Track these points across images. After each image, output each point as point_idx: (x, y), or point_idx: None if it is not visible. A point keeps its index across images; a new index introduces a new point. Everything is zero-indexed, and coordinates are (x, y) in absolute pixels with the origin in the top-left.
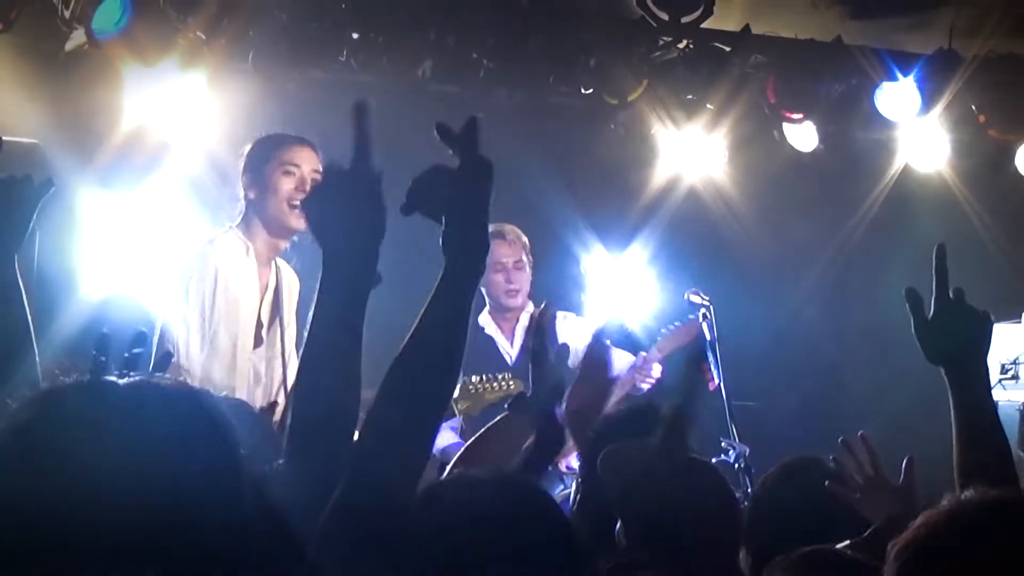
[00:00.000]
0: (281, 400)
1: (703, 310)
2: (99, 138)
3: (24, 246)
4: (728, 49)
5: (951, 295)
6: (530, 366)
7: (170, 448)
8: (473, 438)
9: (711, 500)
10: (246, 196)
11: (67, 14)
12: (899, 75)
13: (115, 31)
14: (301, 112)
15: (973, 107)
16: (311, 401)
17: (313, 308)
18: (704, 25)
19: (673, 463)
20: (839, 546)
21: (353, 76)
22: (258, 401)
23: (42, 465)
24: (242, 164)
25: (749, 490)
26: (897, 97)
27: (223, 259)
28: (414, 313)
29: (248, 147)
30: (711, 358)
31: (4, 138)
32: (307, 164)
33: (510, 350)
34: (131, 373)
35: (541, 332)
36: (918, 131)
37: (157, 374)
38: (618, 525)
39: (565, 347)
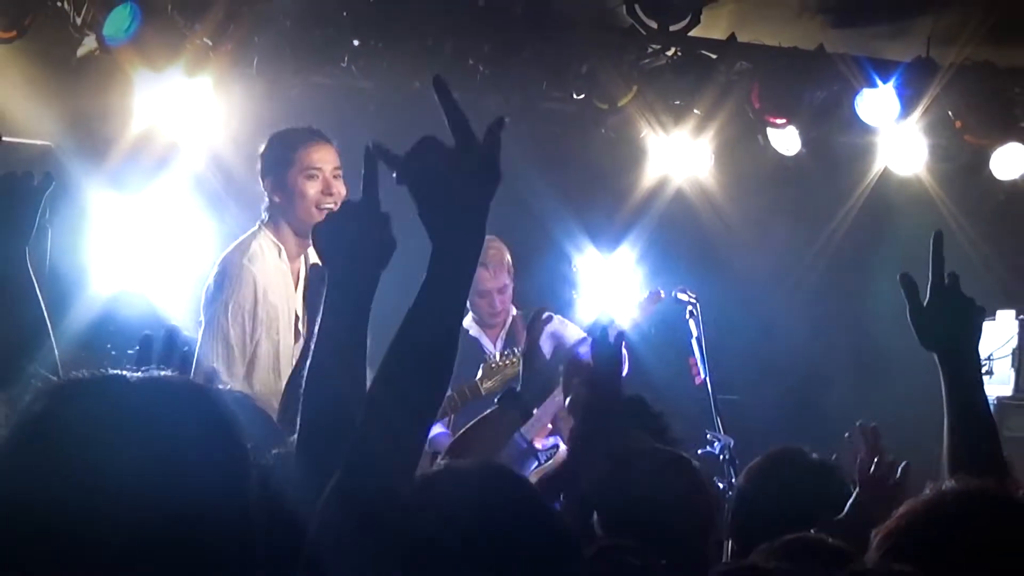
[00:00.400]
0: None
1: (690, 307)
2: (109, 140)
3: (37, 243)
4: (714, 56)
5: (946, 281)
6: (521, 365)
7: (180, 441)
8: (464, 429)
9: (679, 490)
10: (271, 200)
11: (79, 21)
12: (879, 82)
13: (125, 37)
14: (304, 116)
15: (950, 113)
16: (318, 409)
17: (318, 323)
18: (691, 33)
19: (642, 454)
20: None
21: (354, 81)
22: None
23: (54, 455)
24: (261, 166)
25: (733, 480)
26: (877, 103)
27: (260, 270)
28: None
29: (264, 147)
30: (698, 353)
31: (18, 140)
32: (328, 164)
33: (494, 351)
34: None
35: (533, 335)
36: (897, 136)
37: (167, 370)
38: (594, 515)
39: (561, 346)
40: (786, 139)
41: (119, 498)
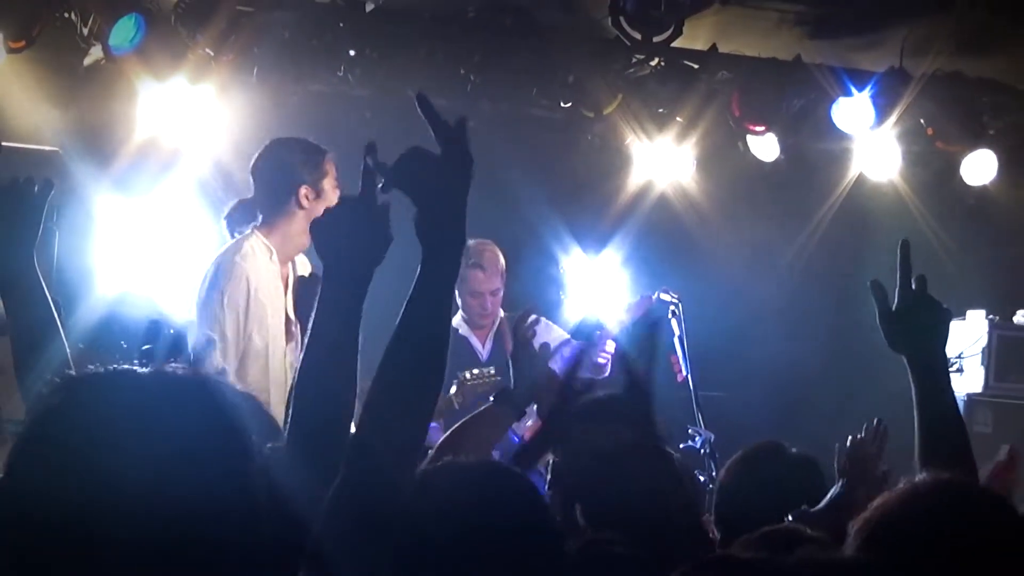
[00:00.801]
0: None
1: (672, 307)
2: (115, 146)
3: (45, 246)
4: (696, 66)
5: (913, 285)
6: (511, 366)
7: (188, 436)
8: (458, 424)
9: (661, 483)
10: (295, 202)
11: (85, 31)
12: (854, 91)
13: (130, 47)
14: (302, 122)
15: (922, 121)
16: (311, 399)
17: (313, 317)
18: (674, 44)
19: (624, 448)
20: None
21: (350, 89)
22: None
23: (67, 449)
24: (291, 169)
25: (714, 473)
26: (852, 111)
27: (252, 268)
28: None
29: (292, 151)
30: (680, 351)
31: (26, 146)
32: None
33: (482, 350)
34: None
35: (521, 337)
36: (872, 143)
37: (174, 364)
38: (577, 508)
39: (546, 346)
40: (765, 146)
41: (127, 492)
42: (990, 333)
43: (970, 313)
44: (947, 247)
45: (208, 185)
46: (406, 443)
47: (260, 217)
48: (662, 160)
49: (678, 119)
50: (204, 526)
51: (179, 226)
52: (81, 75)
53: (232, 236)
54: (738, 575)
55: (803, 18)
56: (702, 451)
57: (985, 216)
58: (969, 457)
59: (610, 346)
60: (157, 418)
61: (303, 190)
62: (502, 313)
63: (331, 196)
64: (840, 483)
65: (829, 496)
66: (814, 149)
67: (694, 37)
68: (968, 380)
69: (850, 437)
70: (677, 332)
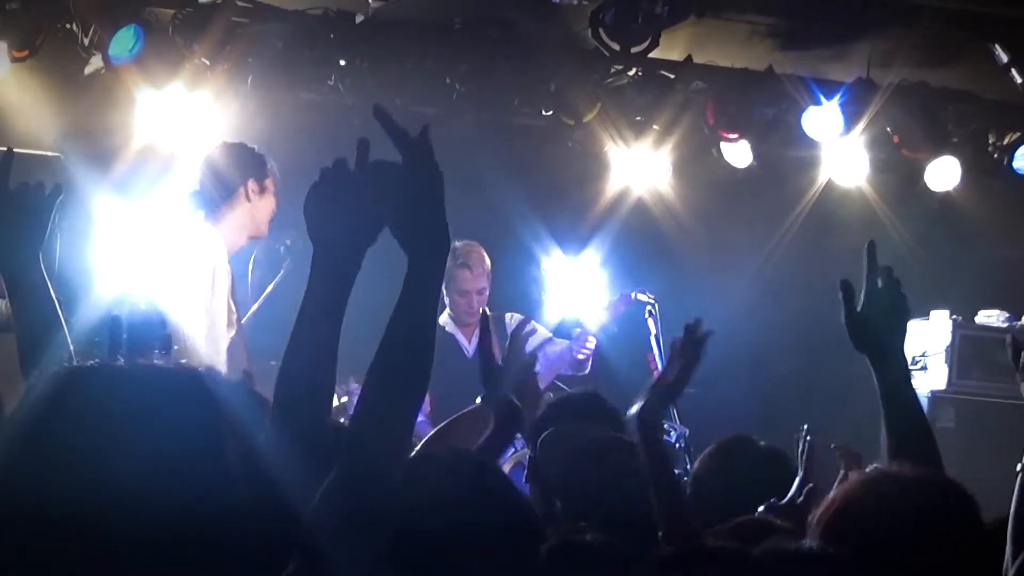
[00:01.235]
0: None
1: (649, 307)
2: (114, 151)
3: (48, 247)
4: (672, 76)
5: (881, 278)
6: (480, 364)
7: (165, 430)
8: (447, 421)
9: (638, 477)
10: (242, 195)
11: (86, 42)
12: (823, 100)
13: (129, 57)
14: (294, 129)
15: (888, 129)
16: (296, 377)
17: (303, 297)
18: (651, 55)
19: (602, 443)
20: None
21: (340, 98)
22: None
23: (51, 444)
24: (238, 164)
25: (689, 467)
26: (821, 119)
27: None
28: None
29: (240, 149)
30: (656, 349)
31: (29, 151)
32: None
33: (468, 346)
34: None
35: (518, 342)
36: (840, 150)
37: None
38: (557, 501)
39: (532, 353)
40: (738, 152)
41: (119, 486)
42: (953, 332)
43: (934, 313)
44: (912, 250)
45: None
46: (396, 436)
47: (207, 211)
48: (639, 166)
49: (655, 127)
50: (195, 518)
51: (175, 229)
52: (82, 83)
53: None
54: (710, 564)
55: (774, 30)
56: (677, 445)
57: (949, 220)
58: (934, 451)
59: (591, 343)
60: (149, 413)
61: (250, 183)
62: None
63: (272, 197)
64: (800, 476)
65: (793, 489)
66: (785, 156)
67: (670, 48)
68: (932, 378)
69: (804, 433)
70: (654, 331)
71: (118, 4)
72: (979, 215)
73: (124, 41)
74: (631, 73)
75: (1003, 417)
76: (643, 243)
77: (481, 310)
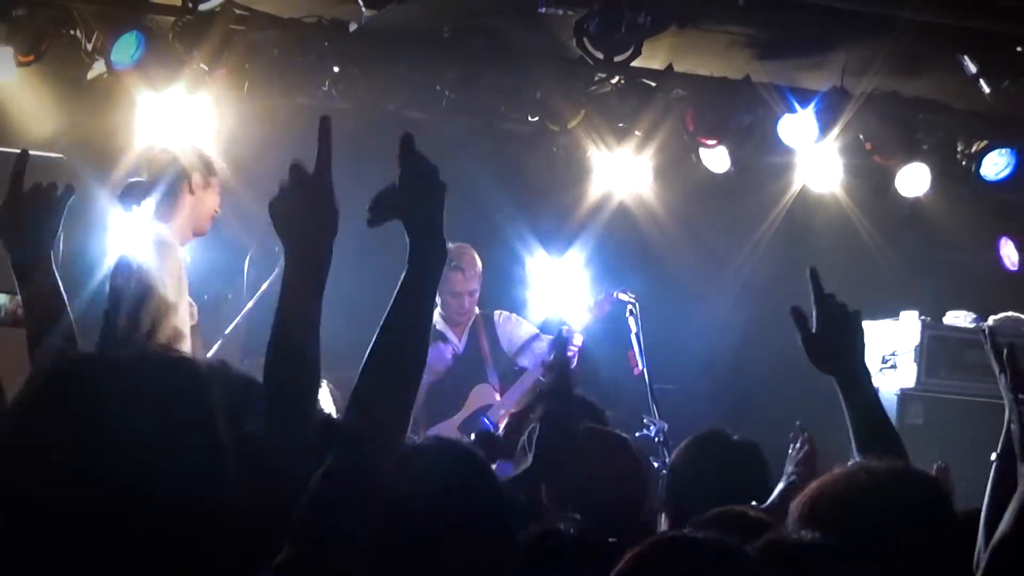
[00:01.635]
0: None
1: (630, 306)
2: (116, 153)
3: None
4: (654, 84)
5: (826, 302)
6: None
7: (158, 417)
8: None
9: (617, 465)
10: (189, 192)
11: (89, 47)
12: (798, 108)
13: (131, 63)
14: (289, 133)
15: (861, 136)
16: (281, 367)
17: (280, 292)
18: (633, 64)
19: (587, 434)
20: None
21: (334, 103)
22: None
23: (44, 432)
24: (183, 160)
25: (667, 459)
26: (797, 127)
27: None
28: (385, 300)
29: (190, 147)
30: (636, 347)
31: (35, 153)
32: None
33: (458, 343)
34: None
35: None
36: (815, 156)
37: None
38: (543, 489)
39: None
40: (717, 158)
41: (104, 472)
42: (922, 332)
43: (903, 314)
44: (883, 253)
45: None
46: (391, 429)
47: (154, 209)
48: (622, 170)
49: (637, 133)
50: (189, 505)
51: (146, 231)
52: (85, 88)
53: (128, 210)
54: (687, 553)
55: (752, 41)
56: (656, 439)
57: (918, 225)
58: (903, 457)
59: (578, 339)
60: (142, 401)
61: (195, 176)
62: (477, 311)
63: (215, 193)
64: (788, 477)
65: (775, 493)
66: (762, 161)
67: (652, 57)
68: (901, 376)
69: (801, 438)
70: (634, 329)
71: (120, 12)
72: (947, 220)
73: (127, 47)
74: (614, 81)
75: (969, 414)
76: (625, 244)
77: (478, 313)
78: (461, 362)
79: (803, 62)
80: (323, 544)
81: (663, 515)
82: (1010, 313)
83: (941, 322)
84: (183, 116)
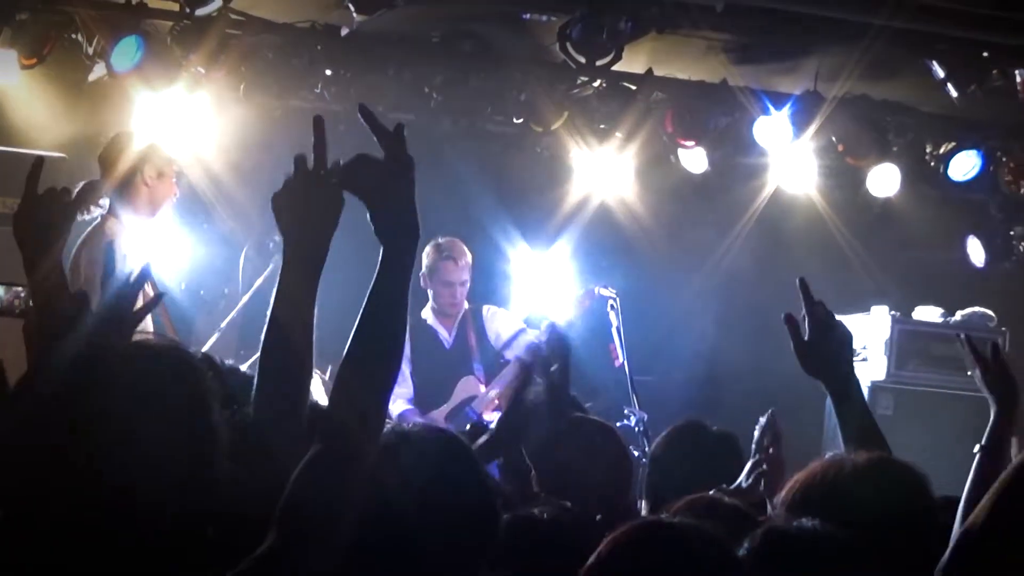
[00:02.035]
0: None
1: (611, 301)
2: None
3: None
4: (634, 88)
5: (816, 311)
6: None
7: (152, 406)
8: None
9: (604, 453)
10: (143, 184)
11: (90, 51)
12: (773, 111)
13: (130, 66)
14: (283, 134)
15: (834, 138)
16: (274, 355)
17: (277, 282)
18: (614, 68)
19: (574, 422)
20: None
21: (326, 105)
22: None
23: (47, 422)
24: (140, 154)
25: (647, 449)
26: (772, 129)
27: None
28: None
29: (148, 144)
30: (617, 340)
31: (39, 153)
32: None
33: (448, 338)
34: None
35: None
36: (789, 157)
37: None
38: (532, 474)
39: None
40: (695, 159)
41: (100, 460)
42: (892, 327)
43: (874, 308)
44: (855, 250)
45: (198, 189)
46: (371, 416)
47: (109, 202)
48: (603, 170)
49: (617, 134)
50: (179, 491)
51: (173, 226)
52: (86, 89)
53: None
54: (664, 536)
55: (729, 46)
56: (636, 429)
57: (889, 223)
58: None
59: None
60: (137, 391)
61: (148, 168)
62: (466, 305)
63: (169, 184)
64: (752, 461)
65: (743, 475)
66: (738, 162)
67: (632, 61)
68: (872, 368)
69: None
70: (615, 323)
71: (120, 16)
72: (916, 219)
73: (126, 51)
74: (596, 84)
75: (938, 405)
76: (606, 242)
77: (468, 307)
78: (450, 355)
79: (778, 67)
80: (304, 533)
81: (643, 502)
82: (976, 309)
83: (910, 317)
84: (180, 117)
